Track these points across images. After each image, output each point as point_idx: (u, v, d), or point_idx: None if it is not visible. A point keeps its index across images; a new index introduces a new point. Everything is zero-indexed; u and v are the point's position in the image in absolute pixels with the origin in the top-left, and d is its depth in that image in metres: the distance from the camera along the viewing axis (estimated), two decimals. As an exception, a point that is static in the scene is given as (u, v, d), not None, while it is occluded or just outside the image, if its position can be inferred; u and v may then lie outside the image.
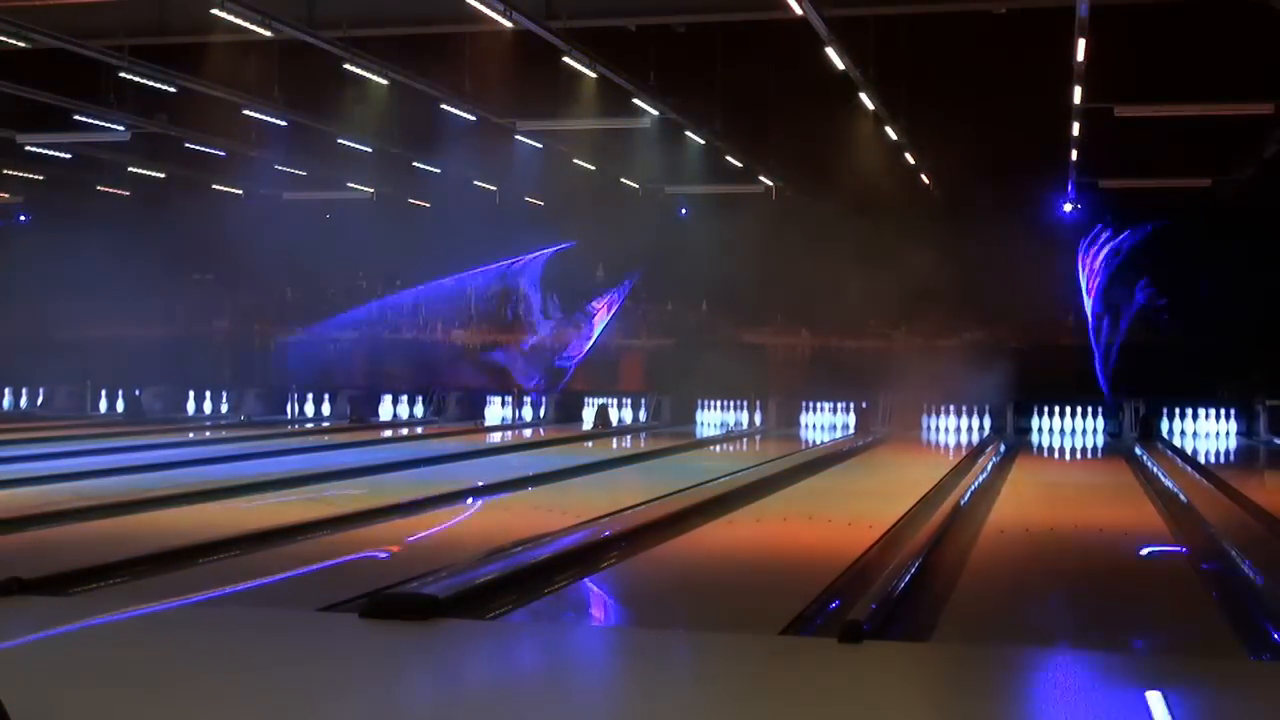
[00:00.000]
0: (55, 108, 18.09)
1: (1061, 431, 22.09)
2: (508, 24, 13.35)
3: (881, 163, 19.89)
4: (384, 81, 16.24)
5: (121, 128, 18.81)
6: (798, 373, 24.12)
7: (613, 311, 25.44)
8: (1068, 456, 19.15)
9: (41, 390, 26.43)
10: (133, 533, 9.16)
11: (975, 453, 17.81)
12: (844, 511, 10.74)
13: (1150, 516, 11.04)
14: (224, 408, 25.67)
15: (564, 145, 20.86)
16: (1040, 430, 22.11)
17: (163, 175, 23.81)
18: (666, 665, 5.60)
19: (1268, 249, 21.64)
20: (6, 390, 26.79)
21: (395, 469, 14.45)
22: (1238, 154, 20.46)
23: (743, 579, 8.00)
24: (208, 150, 21.74)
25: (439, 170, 22.79)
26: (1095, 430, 22.02)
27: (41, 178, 24.48)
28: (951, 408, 22.56)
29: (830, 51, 14.13)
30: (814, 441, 20.48)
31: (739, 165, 21.18)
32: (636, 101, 16.82)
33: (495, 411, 24.79)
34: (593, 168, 22.27)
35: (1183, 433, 21.63)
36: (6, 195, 26.31)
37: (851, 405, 23.03)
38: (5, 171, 23.98)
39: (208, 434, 20.74)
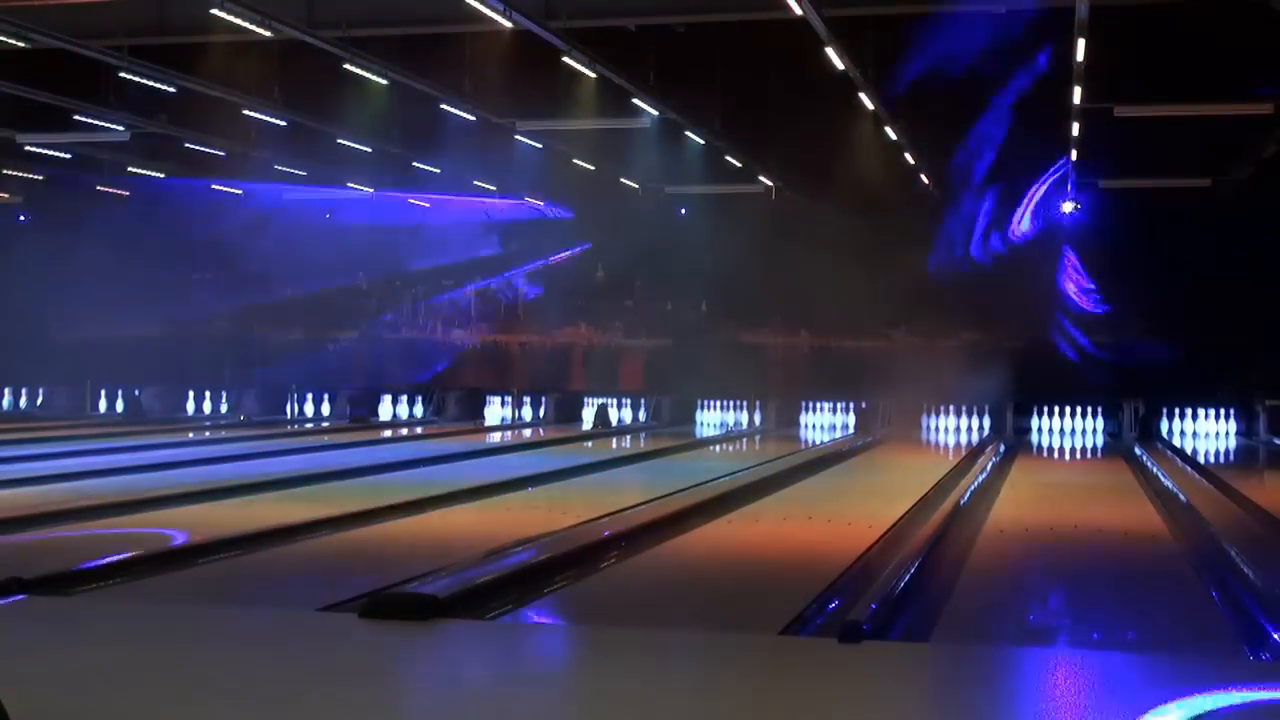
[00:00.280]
0: (55, 108, 18.10)
1: (1061, 431, 22.08)
2: (507, 24, 13.36)
3: (881, 163, 19.90)
4: (384, 81, 16.25)
5: (121, 128, 18.82)
6: (797, 373, 24.11)
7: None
8: (1067, 456, 19.15)
9: (41, 390, 26.42)
10: (133, 533, 9.16)
11: (975, 453, 17.81)
12: (844, 511, 10.74)
13: (1150, 516, 11.04)
14: (224, 408, 25.67)
15: (564, 145, 20.87)
16: (1040, 430, 22.10)
17: (162, 175, 23.83)
18: (666, 665, 5.60)
19: (1267, 249, 21.64)
20: (6, 390, 26.78)
21: (395, 469, 14.45)
22: (1238, 154, 20.47)
23: (743, 579, 8.00)
24: (208, 150, 21.75)
25: (439, 170, 22.83)
26: (1094, 430, 22.01)
27: (41, 178, 24.49)
28: (951, 408, 22.55)
29: (830, 51, 14.14)
30: (814, 441, 20.47)
31: (739, 165, 21.19)
32: (636, 101, 16.83)
33: (495, 411, 24.79)
34: (592, 168, 22.28)
35: (1182, 433, 21.63)
36: (6, 195, 26.32)
37: (851, 405, 23.03)
38: (5, 171, 23.98)
39: (207, 434, 20.74)
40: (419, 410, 25.04)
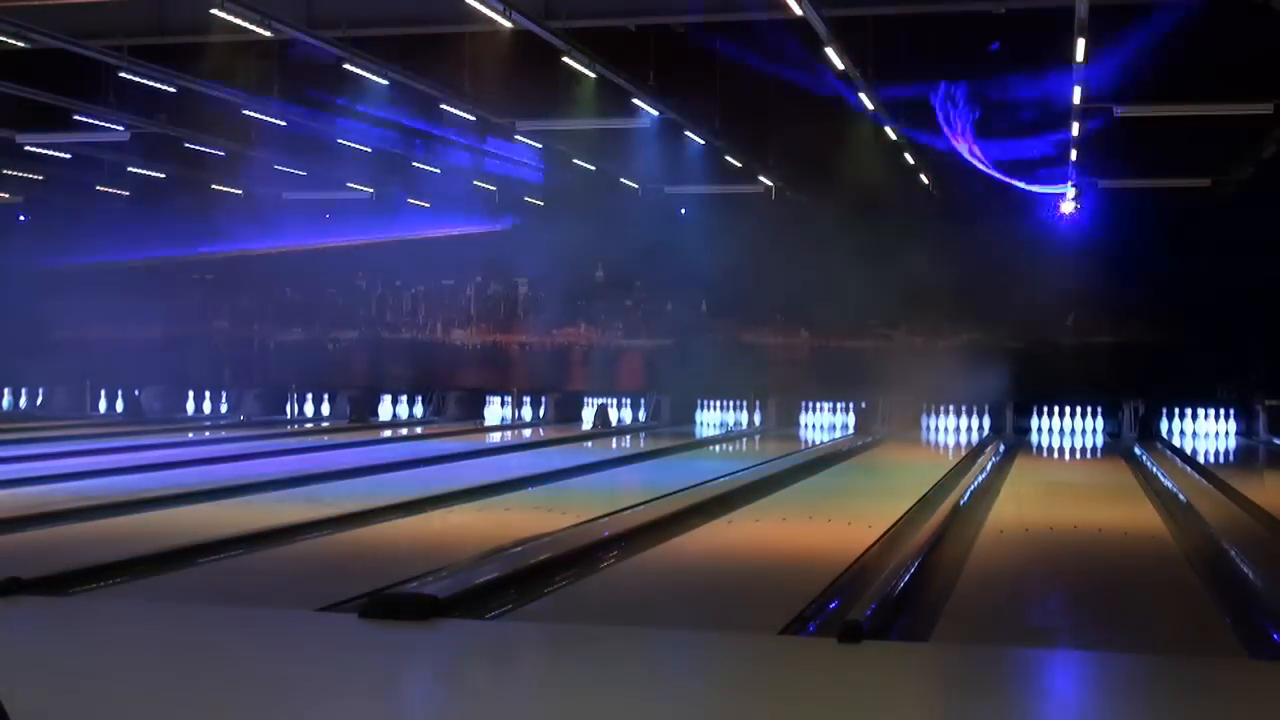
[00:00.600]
0: (55, 108, 18.09)
1: (1061, 431, 22.08)
2: (507, 24, 13.35)
3: (881, 163, 19.89)
4: (384, 81, 16.24)
5: (121, 128, 18.82)
6: (797, 373, 24.11)
7: None
8: (1067, 456, 19.15)
9: (41, 390, 26.42)
10: (133, 533, 9.16)
11: (975, 453, 17.82)
12: (844, 511, 10.74)
13: (1149, 516, 11.04)
14: (224, 408, 25.68)
15: (564, 145, 20.87)
16: (1039, 430, 22.11)
17: (163, 175, 23.82)
18: (666, 665, 5.61)
19: (1267, 249, 21.63)
20: (6, 390, 26.78)
21: (395, 469, 14.45)
22: (1237, 154, 20.47)
23: (742, 579, 8.01)
24: (208, 150, 21.74)
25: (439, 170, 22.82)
26: (1094, 430, 22.02)
27: (41, 178, 24.48)
28: (951, 408, 22.57)
29: (830, 51, 14.13)
30: (813, 441, 20.47)
31: (738, 165, 21.18)
32: (636, 101, 16.82)
33: (495, 411, 24.79)
34: (592, 168, 22.28)
35: (1182, 433, 21.64)
36: (6, 195, 26.32)
37: (851, 405, 23.03)
38: (5, 171, 23.98)
39: (207, 434, 20.75)
40: (419, 410, 25.05)
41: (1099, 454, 19.39)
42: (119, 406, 25.78)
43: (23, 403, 26.59)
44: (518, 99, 17.72)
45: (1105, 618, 7.12)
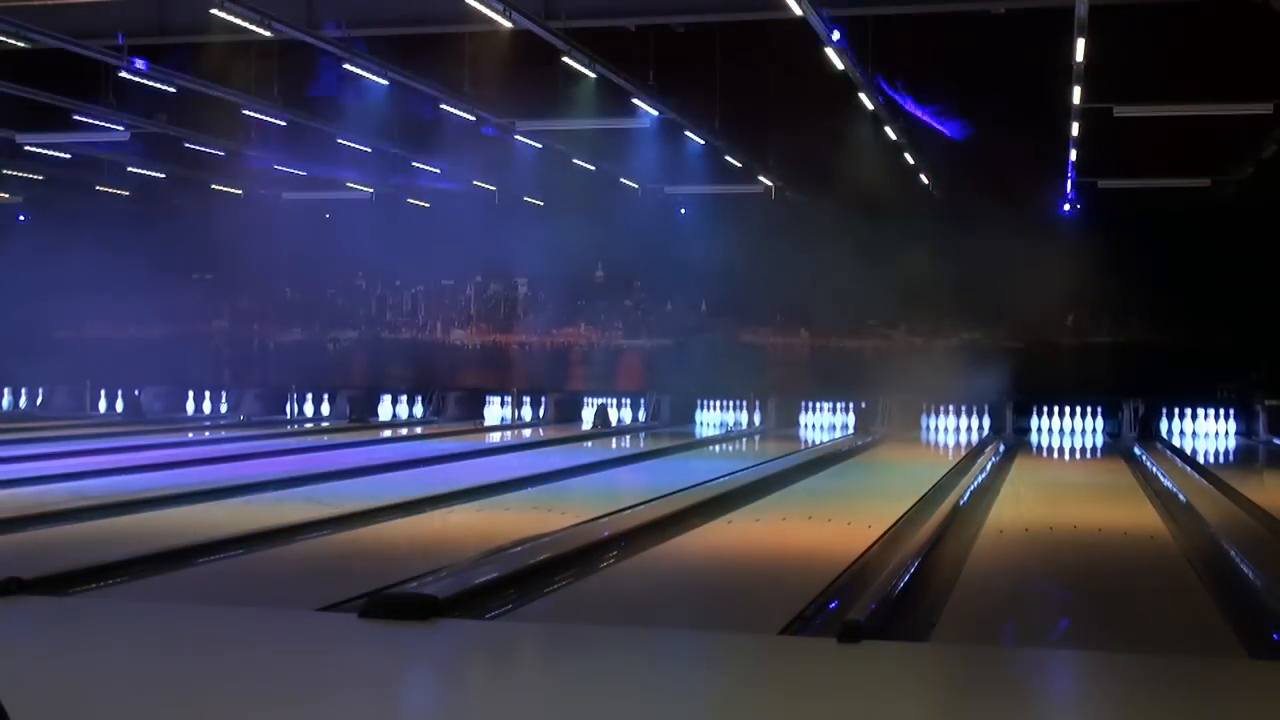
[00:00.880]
0: (55, 108, 18.09)
1: (1061, 431, 22.09)
2: (507, 24, 13.35)
3: (881, 163, 19.89)
4: (384, 81, 16.24)
5: (121, 128, 18.82)
6: (797, 372, 24.12)
7: None
8: (1067, 456, 19.16)
9: (41, 390, 26.42)
10: (133, 533, 9.16)
11: (974, 453, 17.82)
12: (844, 511, 10.74)
13: (1149, 516, 11.04)
14: (224, 408, 25.68)
15: (563, 145, 20.86)
16: (1039, 430, 22.12)
17: (163, 175, 23.82)
18: (666, 665, 5.61)
19: (1267, 249, 21.63)
20: (6, 390, 26.78)
21: (395, 469, 14.45)
22: (1237, 154, 20.46)
23: (742, 579, 8.01)
24: (208, 150, 21.74)
25: (438, 170, 22.81)
26: (1094, 430, 22.03)
27: (41, 178, 24.48)
28: (950, 408, 22.58)
29: (830, 51, 14.13)
30: (813, 441, 20.48)
31: (738, 165, 21.18)
32: (636, 101, 16.82)
33: (495, 411, 24.79)
34: (592, 168, 22.27)
35: (1182, 433, 21.64)
36: (6, 195, 26.31)
37: (851, 405, 23.04)
38: (5, 171, 23.98)
39: (207, 434, 20.75)
40: (419, 410, 25.05)
41: (1099, 454, 19.40)
42: (119, 406, 25.77)
43: (23, 402, 26.59)
44: (518, 99, 17.72)
45: (1105, 618, 7.12)
